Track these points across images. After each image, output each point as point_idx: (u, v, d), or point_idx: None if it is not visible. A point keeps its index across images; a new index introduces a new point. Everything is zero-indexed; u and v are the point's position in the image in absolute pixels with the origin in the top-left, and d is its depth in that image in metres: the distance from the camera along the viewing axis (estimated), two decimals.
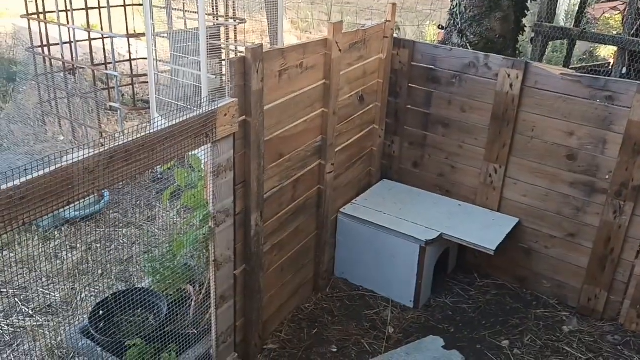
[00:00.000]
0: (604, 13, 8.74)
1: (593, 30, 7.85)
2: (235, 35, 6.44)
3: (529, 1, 5.70)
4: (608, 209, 3.72)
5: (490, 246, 3.75)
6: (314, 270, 4.03)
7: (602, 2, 8.17)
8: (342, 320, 3.86)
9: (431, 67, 4.18)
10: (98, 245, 4.46)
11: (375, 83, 4.20)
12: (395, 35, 4.22)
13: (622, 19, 6.50)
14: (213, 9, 6.28)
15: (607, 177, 3.70)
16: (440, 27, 6.15)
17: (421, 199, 4.33)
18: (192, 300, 3.25)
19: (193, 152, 2.91)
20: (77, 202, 2.11)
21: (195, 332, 3.14)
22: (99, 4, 6.55)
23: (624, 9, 6.39)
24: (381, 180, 4.60)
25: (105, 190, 4.98)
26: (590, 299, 3.95)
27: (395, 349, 3.32)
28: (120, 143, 2.18)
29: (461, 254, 4.42)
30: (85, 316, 3.18)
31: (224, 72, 6.09)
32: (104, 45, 6.81)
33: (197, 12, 4.97)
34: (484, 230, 3.94)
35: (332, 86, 3.56)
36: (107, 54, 6.78)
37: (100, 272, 4.14)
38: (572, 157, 3.80)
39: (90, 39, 6.41)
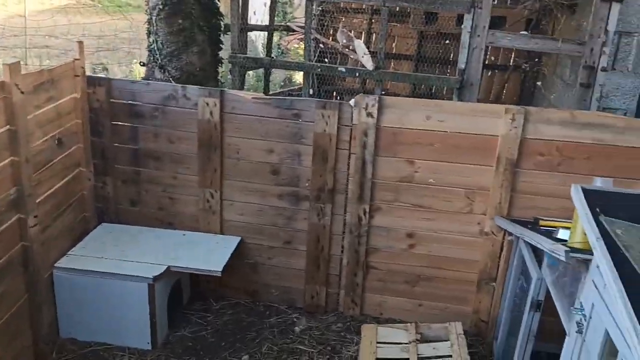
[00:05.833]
0: (288, 43, 9.88)
1: (284, 59, 8.77)
2: None
3: (221, 35, 6.07)
4: (312, 213, 4.17)
5: (217, 268, 3.86)
6: (33, 336, 3.60)
7: (290, 35, 9.18)
8: None
9: (131, 102, 4.14)
10: None
11: (73, 124, 3.98)
12: (89, 74, 4.08)
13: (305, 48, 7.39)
14: None
15: (307, 184, 4.14)
16: (142, 63, 6.15)
17: (143, 236, 4.23)
18: None
19: None
20: None
21: None
22: None
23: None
24: (100, 224, 4.36)
25: None
26: (313, 297, 4.36)
27: None
28: None
29: (194, 283, 4.44)
30: None
31: None
32: None
33: None
34: (209, 254, 4.03)
35: (19, 132, 3.26)
36: None
37: None
38: (276, 171, 4.17)
39: None
